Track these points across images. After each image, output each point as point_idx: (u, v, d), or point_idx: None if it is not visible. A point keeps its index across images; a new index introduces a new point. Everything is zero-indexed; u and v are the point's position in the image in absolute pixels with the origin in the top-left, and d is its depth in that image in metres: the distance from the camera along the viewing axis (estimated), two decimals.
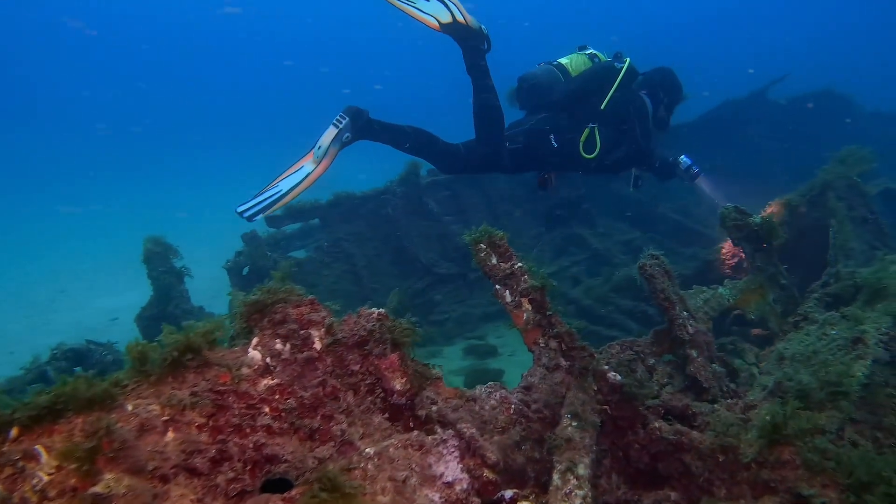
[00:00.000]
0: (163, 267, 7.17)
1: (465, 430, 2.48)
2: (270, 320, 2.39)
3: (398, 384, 2.49)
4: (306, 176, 5.31)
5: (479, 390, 2.94)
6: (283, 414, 2.24)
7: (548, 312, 3.24)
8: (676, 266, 7.81)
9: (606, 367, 3.11)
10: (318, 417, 2.33)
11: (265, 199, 5.41)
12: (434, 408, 2.58)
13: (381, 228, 8.90)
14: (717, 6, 49.89)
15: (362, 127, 5.35)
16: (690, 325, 3.65)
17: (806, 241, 5.92)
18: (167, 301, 7.15)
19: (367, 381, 2.52)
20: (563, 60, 6.11)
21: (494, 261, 3.32)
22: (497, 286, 3.29)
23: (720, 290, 4.42)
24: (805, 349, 3.65)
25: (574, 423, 2.86)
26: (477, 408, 2.83)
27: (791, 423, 2.58)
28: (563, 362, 3.22)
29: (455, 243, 8.85)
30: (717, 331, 6.30)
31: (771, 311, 4.56)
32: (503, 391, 2.98)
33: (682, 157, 6.50)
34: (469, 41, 5.58)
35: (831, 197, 5.70)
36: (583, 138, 5.84)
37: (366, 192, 8.96)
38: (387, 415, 2.53)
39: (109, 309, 11.20)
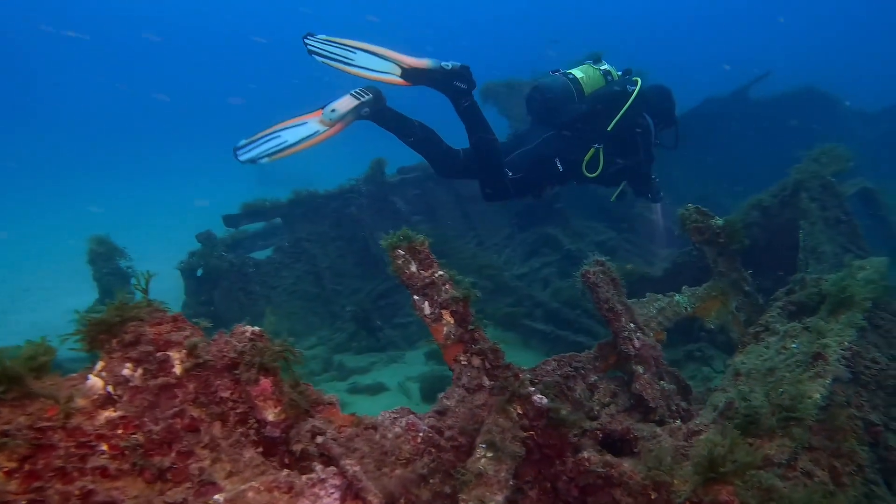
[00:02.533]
0: (107, 268, 6.81)
1: (348, 466, 2.14)
2: (120, 341, 2.04)
3: (270, 414, 2.15)
4: (315, 133, 5.25)
5: (383, 416, 2.61)
6: (125, 452, 1.90)
7: (470, 327, 2.91)
8: (649, 268, 7.58)
9: (532, 389, 2.78)
10: (173, 454, 1.99)
11: (268, 145, 5.27)
12: (320, 439, 2.25)
13: (346, 228, 8.56)
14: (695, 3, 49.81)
15: (380, 110, 5.34)
16: (637, 339, 3.32)
17: (777, 244, 5.62)
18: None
19: (239, 410, 2.18)
20: (578, 74, 5.84)
21: (414, 268, 2.99)
22: (415, 297, 2.97)
23: (677, 297, 4.10)
24: (763, 364, 3.34)
25: (489, 455, 2.53)
26: (377, 437, 2.50)
27: (731, 457, 2.26)
28: (487, 382, 2.89)
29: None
30: (686, 336, 6.03)
31: (733, 320, 4.25)
32: (411, 416, 2.65)
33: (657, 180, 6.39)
34: (439, 83, 5.37)
35: (804, 197, 5.40)
36: (587, 158, 5.78)
37: (329, 191, 8.62)
38: (261, 449, 2.19)
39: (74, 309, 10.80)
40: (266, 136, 5.29)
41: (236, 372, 2.17)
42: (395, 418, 2.63)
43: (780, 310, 3.89)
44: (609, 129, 5.71)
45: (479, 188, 5.86)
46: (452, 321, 2.95)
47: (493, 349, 2.89)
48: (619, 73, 6.04)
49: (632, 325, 3.35)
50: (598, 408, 3.21)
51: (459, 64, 5.38)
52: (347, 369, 7.19)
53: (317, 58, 5.32)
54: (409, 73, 5.33)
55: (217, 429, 2.13)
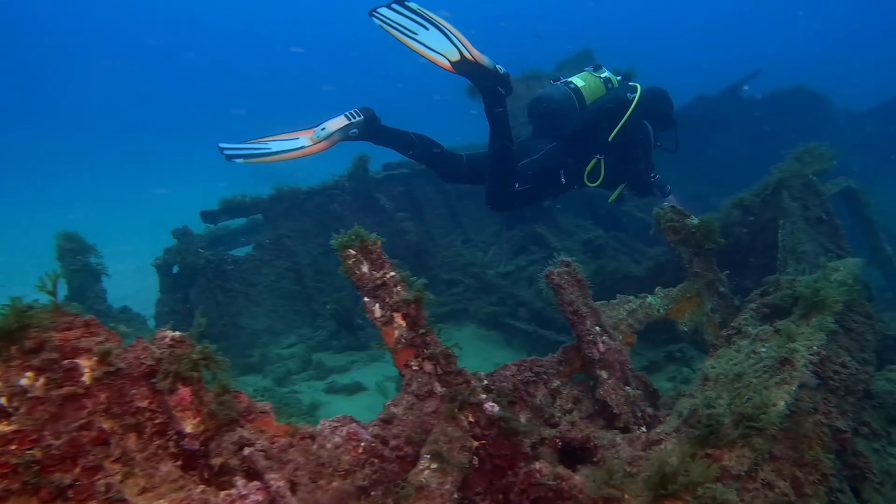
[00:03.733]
0: (75, 265, 6.68)
1: (272, 481, 2.02)
2: (21, 348, 1.91)
3: (188, 425, 2.02)
4: (299, 148, 5.21)
5: (322, 425, 2.48)
6: (17, 470, 1.77)
7: (422, 330, 2.79)
8: (635, 267, 7.46)
9: (483, 397, 2.66)
10: (77, 470, 1.86)
11: (251, 149, 5.26)
12: (247, 451, 2.12)
13: (329, 225, 8.42)
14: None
15: (373, 130, 5.34)
16: (602, 343, 3.20)
17: (758, 243, 5.50)
18: (80, 301, 6.65)
19: (158, 421, 2.06)
20: (579, 83, 5.74)
21: (365, 269, 2.86)
22: (366, 298, 2.84)
23: (649, 299, 3.97)
24: (732, 369, 3.21)
25: (433, 466, 2.41)
26: (315, 447, 2.37)
27: (683, 472, 2.15)
28: (439, 389, 2.77)
29: (407, 241, 8.40)
30: (668, 337, 5.92)
31: (708, 322, 4.12)
32: (353, 425, 2.52)
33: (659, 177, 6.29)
34: (484, 82, 5.29)
35: (785, 196, 5.27)
36: (588, 168, 5.78)
37: (312, 187, 8.49)
38: (180, 462, 2.06)
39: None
40: (256, 143, 5.27)
41: (154, 380, 2.04)
42: (335, 427, 2.50)
43: (753, 312, 3.77)
44: (610, 139, 5.68)
45: (484, 196, 5.78)
46: (404, 324, 2.82)
47: (444, 354, 2.77)
48: (619, 79, 5.97)
49: (597, 328, 3.23)
50: (559, 414, 3.08)
51: (505, 71, 5.34)
52: (326, 368, 7.07)
53: (377, 20, 5.20)
54: (463, 64, 5.20)
55: (132, 441, 2.01)
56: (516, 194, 5.60)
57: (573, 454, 3.00)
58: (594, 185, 5.83)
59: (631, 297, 3.92)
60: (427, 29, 5.19)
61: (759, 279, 4.79)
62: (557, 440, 2.94)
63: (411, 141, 5.52)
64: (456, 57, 5.18)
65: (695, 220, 4.12)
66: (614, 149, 5.78)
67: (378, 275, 2.85)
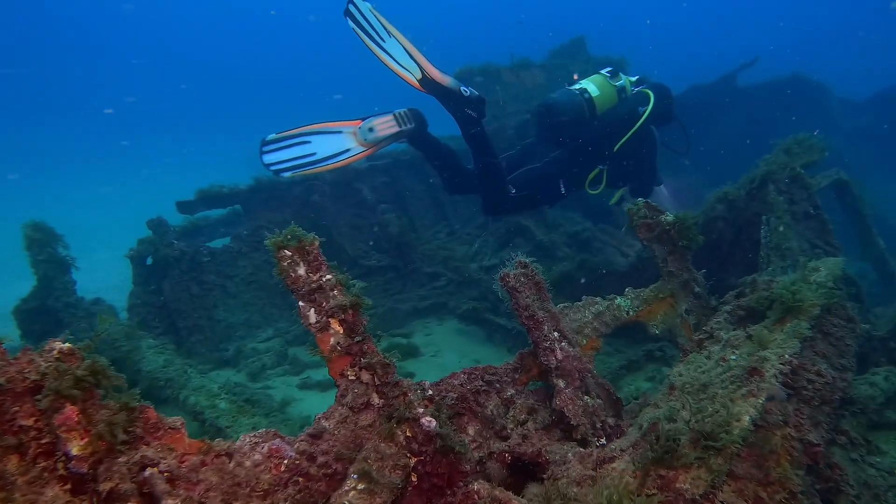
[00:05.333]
0: (42, 255, 6.49)
1: None
2: None
3: (75, 447, 1.83)
4: (346, 153, 5.08)
5: (242, 441, 2.29)
6: None
7: (358, 338, 2.59)
8: (619, 262, 7.25)
9: (420, 411, 2.47)
10: None
11: (295, 152, 5.07)
12: (148, 472, 1.93)
13: (309, 216, 8.22)
14: None
15: (420, 139, 5.28)
16: (560, 350, 3.00)
17: (743, 239, 5.29)
18: (49, 293, 6.48)
19: (44, 441, 1.87)
20: (593, 92, 5.59)
21: (301, 271, 2.66)
22: (300, 303, 2.64)
23: (618, 300, 3.76)
24: (698, 378, 3.01)
25: (360, 486, 2.24)
26: (231, 465, 2.19)
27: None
28: (377, 400, 2.58)
29: (389, 233, 8.20)
30: (648, 334, 5.71)
31: (682, 324, 3.92)
32: (277, 441, 2.33)
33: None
34: (450, 102, 5.17)
35: (771, 190, 5.05)
36: (590, 177, 5.75)
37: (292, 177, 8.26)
38: (69, 486, 1.87)
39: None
40: (297, 135, 5.06)
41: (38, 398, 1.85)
42: (256, 443, 2.31)
43: (727, 315, 3.56)
44: (615, 149, 5.61)
45: (481, 206, 5.79)
46: (340, 331, 2.63)
47: (382, 363, 2.57)
48: (633, 80, 5.86)
49: (555, 333, 3.03)
50: (511, 426, 2.89)
51: (477, 94, 5.20)
52: (302, 363, 6.90)
53: (350, 22, 5.08)
54: (426, 82, 5.12)
55: (12, 463, 1.82)
56: (511, 200, 5.51)
57: (525, 468, 2.82)
58: (595, 192, 5.82)
59: (598, 299, 3.72)
60: (389, 38, 5.07)
61: (743, 277, 4.60)
62: (507, 454, 2.75)
63: (442, 154, 5.43)
64: (418, 74, 5.06)
65: (669, 217, 3.91)
66: (619, 158, 5.71)
67: (314, 278, 2.65)
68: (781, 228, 4.84)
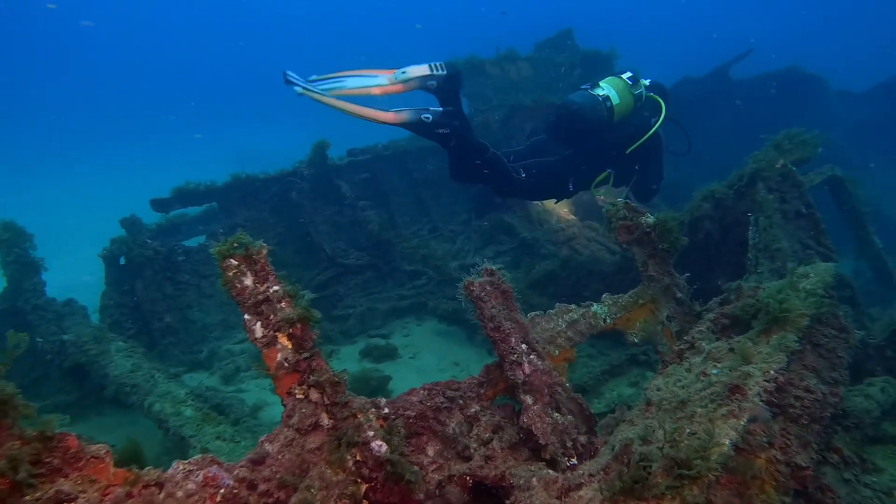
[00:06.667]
0: (11, 256, 6.25)
1: None
2: None
3: None
4: (376, 84, 5.04)
5: (175, 469, 2.09)
6: None
7: (306, 354, 2.39)
8: (604, 260, 7.05)
9: (370, 434, 2.26)
10: None
11: (327, 81, 5.02)
12: None
13: (286, 214, 7.99)
14: None
15: (449, 89, 5.07)
16: (528, 363, 2.80)
17: (731, 240, 5.10)
18: (17, 294, 6.25)
19: None
20: (614, 100, 5.48)
21: (248, 282, 2.45)
22: (246, 316, 2.43)
23: (594, 307, 3.55)
24: (677, 394, 2.80)
25: None
26: (162, 497, 1.99)
27: None
28: (326, 421, 2.37)
29: (368, 231, 7.98)
30: None
31: (663, 332, 3.72)
32: (213, 468, 2.13)
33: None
34: (420, 132, 5.07)
35: (761, 188, 4.85)
36: (598, 179, 5.77)
37: (269, 174, 8.04)
38: None
39: None
40: (336, 77, 5.05)
41: None
42: (189, 471, 2.11)
43: (710, 323, 3.36)
44: (626, 153, 5.66)
45: (491, 189, 5.79)
46: (288, 346, 2.42)
47: (331, 381, 2.37)
48: (647, 83, 5.84)
49: (523, 346, 2.82)
50: (475, 445, 2.68)
51: (440, 110, 5.04)
52: None
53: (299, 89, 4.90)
54: (398, 122, 5.02)
55: None
56: (520, 183, 5.49)
57: (489, 491, 2.62)
58: (600, 193, 5.87)
59: (572, 307, 3.51)
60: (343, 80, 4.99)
61: (731, 279, 4.41)
62: (468, 478, 2.55)
63: (466, 125, 5.23)
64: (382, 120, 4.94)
65: (650, 219, 3.70)
66: (628, 162, 5.75)
67: (261, 289, 2.44)
68: (770, 227, 4.65)
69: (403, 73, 4.99)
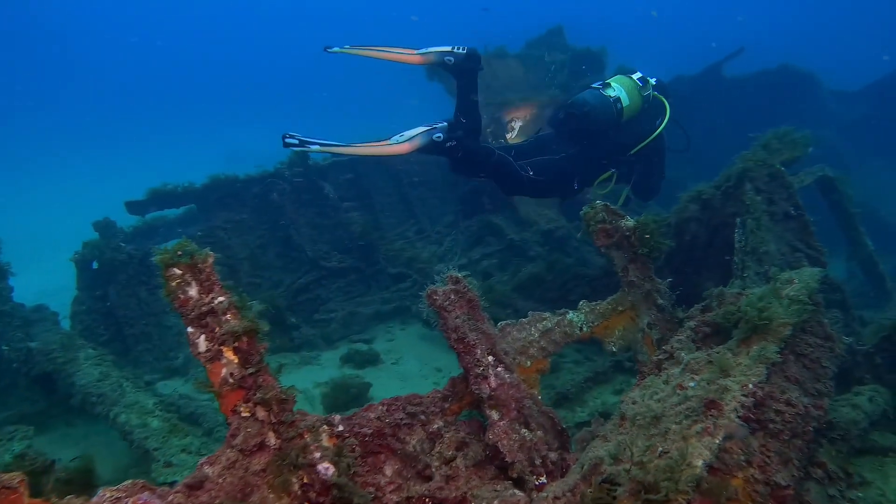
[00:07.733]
0: None
1: None
2: None
3: None
4: (397, 53, 5.21)
5: (101, 497, 1.93)
6: None
7: (252, 369, 2.23)
8: (592, 262, 6.91)
9: (317, 456, 2.11)
10: None
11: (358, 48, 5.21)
12: None
13: (267, 216, 7.82)
14: None
15: (466, 70, 5.10)
16: (494, 376, 2.64)
17: (718, 242, 4.95)
18: None
19: None
20: (624, 101, 5.45)
21: (193, 292, 2.29)
22: (189, 329, 2.27)
23: (570, 315, 3.40)
24: (652, 408, 2.65)
25: None
26: None
27: None
28: (273, 441, 2.21)
29: (353, 233, 7.82)
30: None
31: (643, 340, 3.56)
32: (143, 495, 1.97)
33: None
34: (431, 153, 5.14)
35: (748, 189, 4.71)
36: (601, 178, 5.76)
37: (250, 175, 7.87)
38: None
39: None
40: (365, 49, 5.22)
41: None
42: (117, 499, 1.95)
43: (690, 332, 3.21)
44: (631, 153, 5.67)
45: (499, 187, 5.73)
46: (234, 360, 2.26)
47: (278, 398, 2.21)
48: (654, 83, 5.83)
49: (489, 358, 2.67)
50: (436, 464, 2.53)
51: (446, 124, 5.03)
52: None
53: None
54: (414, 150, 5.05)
55: None
56: (528, 181, 5.42)
57: None
58: (603, 192, 5.69)
59: (546, 314, 3.35)
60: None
61: (719, 283, 4.27)
62: (427, 500, 2.39)
63: (476, 112, 5.22)
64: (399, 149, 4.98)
65: (630, 222, 3.55)
66: (632, 161, 5.76)
67: (206, 300, 2.28)
68: (757, 229, 4.50)
69: (427, 50, 5.10)
